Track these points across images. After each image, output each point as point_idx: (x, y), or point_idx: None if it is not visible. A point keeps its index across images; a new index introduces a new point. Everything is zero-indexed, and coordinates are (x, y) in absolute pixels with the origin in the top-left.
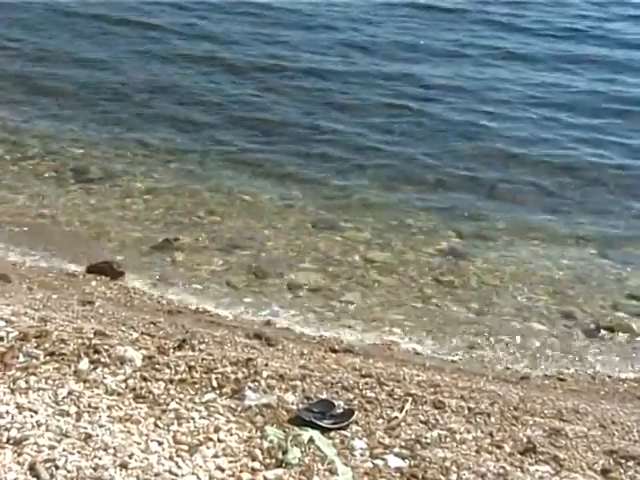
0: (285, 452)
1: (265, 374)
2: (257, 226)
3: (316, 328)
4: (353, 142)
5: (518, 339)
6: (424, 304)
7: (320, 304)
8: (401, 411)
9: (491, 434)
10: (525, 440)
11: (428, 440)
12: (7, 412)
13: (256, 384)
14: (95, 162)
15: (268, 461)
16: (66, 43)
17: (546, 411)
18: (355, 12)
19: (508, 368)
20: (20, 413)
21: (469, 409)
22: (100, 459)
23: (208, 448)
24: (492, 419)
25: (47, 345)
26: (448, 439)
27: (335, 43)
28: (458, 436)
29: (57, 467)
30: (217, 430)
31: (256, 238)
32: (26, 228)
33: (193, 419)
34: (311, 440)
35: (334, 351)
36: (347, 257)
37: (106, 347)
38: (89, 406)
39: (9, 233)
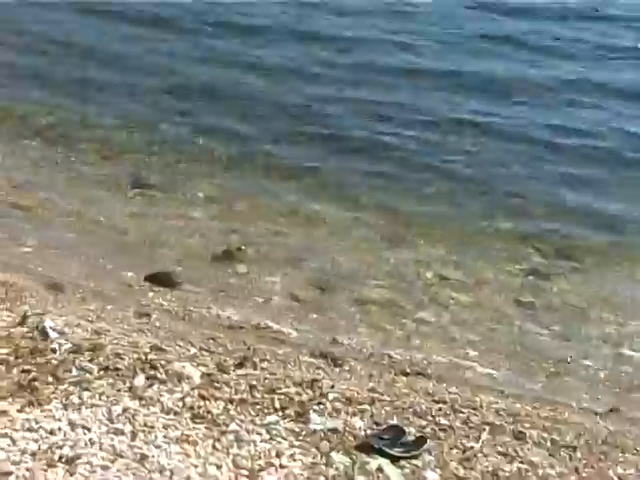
0: None
1: (331, 396)
2: (324, 239)
3: (386, 348)
4: (423, 156)
5: (607, 367)
6: (502, 326)
7: (390, 322)
8: (477, 441)
9: (577, 470)
10: (616, 479)
11: (507, 474)
12: (59, 429)
13: (321, 407)
14: (154, 168)
15: None
16: (121, 45)
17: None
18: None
19: (597, 398)
20: (73, 430)
21: (552, 441)
22: None
23: (269, 474)
24: (578, 454)
25: (101, 359)
26: (529, 473)
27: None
28: (540, 471)
29: None
30: (279, 455)
31: (322, 251)
32: (80, 235)
33: (254, 442)
34: (380, 469)
35: (405, 374)
36: (419, 273)
37: (163, 363)
38: (144, 425)
39: (63, 239)
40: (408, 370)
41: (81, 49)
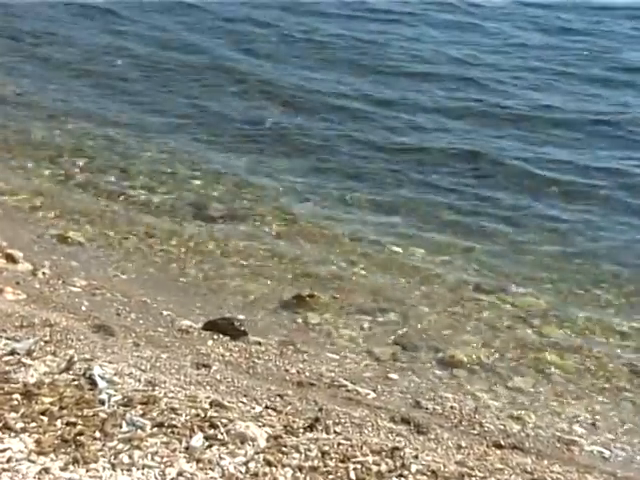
0: None
1: (414, 468)
2: (407, 285)
3: (476, 416)
4: (525, 185)
5: None
6: (614, 398)
7: (482, 388)
8: None
9: None
10: None
11: None
12: None
13: None
14: (217, 197)
15: None
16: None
17: None
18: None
19: None
20: None
21: None
22: None
23: None
24: None
25: (155, 414)
26: None
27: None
28: None
29: None
30: None
31: (405, 300)
32: (133, 274)
33: None
34: None
35: (499, 446)
36: (517, 331)
37: (224, 421)
38: None
39: (114, 279)
40: (502, 442)
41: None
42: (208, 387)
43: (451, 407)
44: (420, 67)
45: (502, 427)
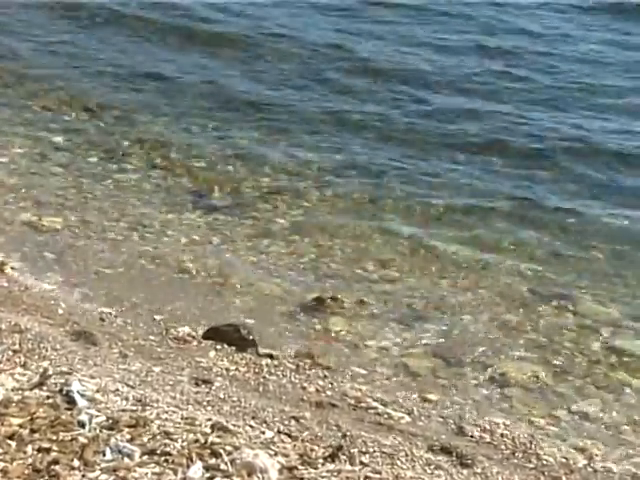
0: None
1: None
2: (449, 288)
3: (533, 445)
4: (588, 174)
5: None
6: None
7: (538, 411)
8: None
9: None
10: None
11: None
12: None
13: None
14: (222, 182)
15: None
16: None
17: None
18: None
19: None
20: None
21: None
22: None
23: None
24: None
25: (145, 439)
26: None
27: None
28: None
29: None
30: None
31: (447, 305)
32: (121, 269)
33: None
34: None
35: None
36: (582, 344)
37: (228, 448)
38: None
39: (97, 275)
40: (564, 479)
41: None
42: (209, 407)
43: (502, 435)
44: None
45: (564, 460)
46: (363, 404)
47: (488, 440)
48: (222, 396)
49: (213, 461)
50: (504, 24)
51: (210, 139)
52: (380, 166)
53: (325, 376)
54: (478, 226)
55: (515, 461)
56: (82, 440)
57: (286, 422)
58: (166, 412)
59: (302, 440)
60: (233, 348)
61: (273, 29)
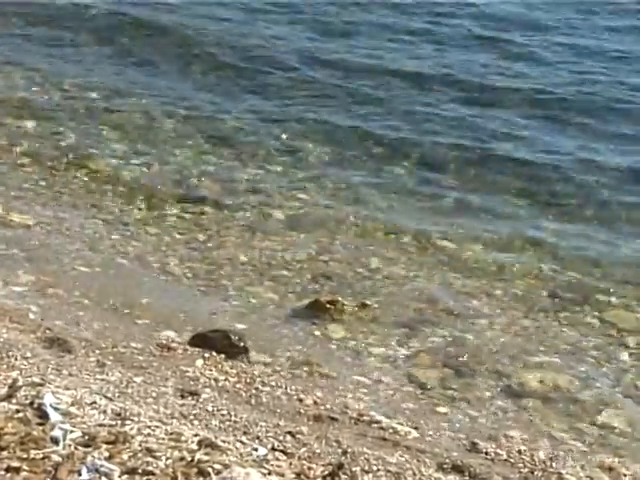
0: None
1: None
2: (461, 290)
3: (554, 463)
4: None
5: None
6: None
7: (561, 425)
8: None
9: None
10: None
11: None
12: None
13: None
14: (209, 172)
15: None
16: None
17: None
18: None
19: None
20: None
21: None
22: None
23: None
24: None
25: (125, 457)
26: None
27: None
28: None
29: None
30: None
31: (459, 309)
32: (99, 269)
33: None
34: None
35: None
36: (607, 352)
37: (217, 467)
38: None
39: (72, 274)
40: None
41: None
42: (196, 422)
43: (519, 451)
44: None
45: (588, 479)
46: (366, 418)
47: (504, 457)
48: (210, 409)
49: None
50: None
51: (196, 124)
52: (385, 156)
53: (324, 387)
54: (493, 222)
55: None
56: (55, 458)
57: (281, 438)
58: (148, 427)
59: (299, 457)
60: (222, 356)
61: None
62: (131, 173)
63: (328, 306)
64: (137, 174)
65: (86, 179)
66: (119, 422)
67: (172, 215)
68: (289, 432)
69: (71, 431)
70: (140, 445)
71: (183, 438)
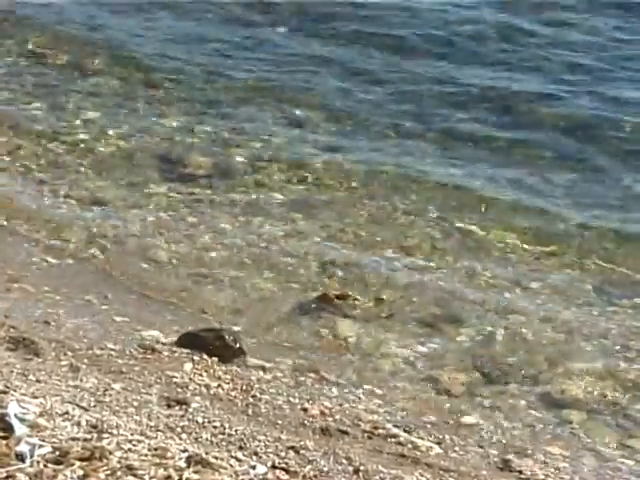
0: None
1: None
2: (492, 282)
3: None
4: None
5: None
6: None
7: (608, 440)
8: None
9: None
10: None
11: None
12: None
13: None
14: (200, 146)
15: None
16: None
17: None
18: None
19: None
20: None
21: None
22: None
23: None
24: None
25: (102, 475)
26: None
27: None
28: None
29: None
30: None
31: (489, 305)
32: (71, 259)
33: None
34: None
35: None
36: None
37: None
38: None
39: (40, 266)
40: None
41: None
42: (184, 435)
43: (558, 469)
44: None
45: None
46: (381, 431)
47: (541, 477)
48: (201, 420)
49: None
50: None
51: (186, 91)
52: (402, 129)
53: (332, 395)
54: (528, 207)
55: None
56: (22, 477)
57: (283, 454)
58: (129, 441)
59: (303, 476)
60: (215, 359)
61: None
62: (109, 146)
63: (337, 300)
64: (116, 147)
65: (58, 152)
66: (95, 435)
67: (157, 194)
68: (292, 447)
69: (40, 446)
70: (119, 462)
71: (169, 454)
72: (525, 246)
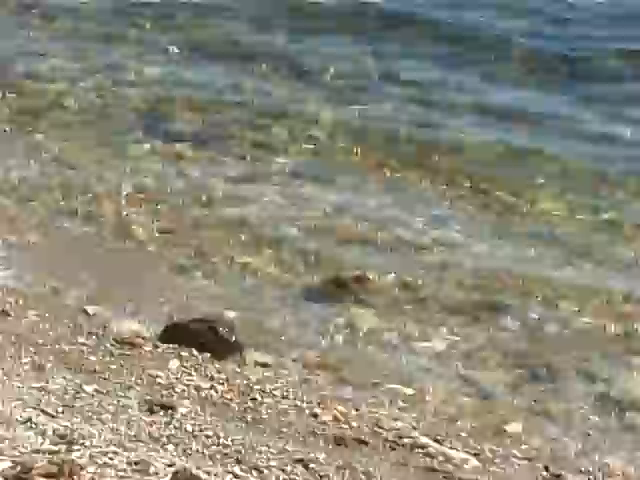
0: None
1: None
2: (539, 261)
3: None
4: None
5: None
6: None
7: None
8: None
9: None
10: None
11: None
12: None
13: None
14: (189, 99)
15: None
16: None
17: None
18: None
19: None
20: None
21: None
22: None
23: None
24: None
25: None
26: None
27: None
28: None
29: None
30: None
31: (537, 288)
32: (33, 236)
33: None
34: None
35: None
36: None
37: None
38: None
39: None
40: None
41: None
42: (170, 446)
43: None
44: None
45: None
46: (406, 440)
47: None
48: (190, 429)
49: None
50: None
51: (168, 32)
52: (441, 81)
53: (347, 398)
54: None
55: None
56: None
57: (289, 468)
58: (105, 454)
59: None
60: (207, 355)
61: None
62: (78, 98)
63: (353, 284)
64: (85, 99)
65: (15, 106)
66: (63, 447)
67: (135, 157)
68: (300, 460)
69: None
70: (93, 479)
71: (152, 469)
72: (573, 216)
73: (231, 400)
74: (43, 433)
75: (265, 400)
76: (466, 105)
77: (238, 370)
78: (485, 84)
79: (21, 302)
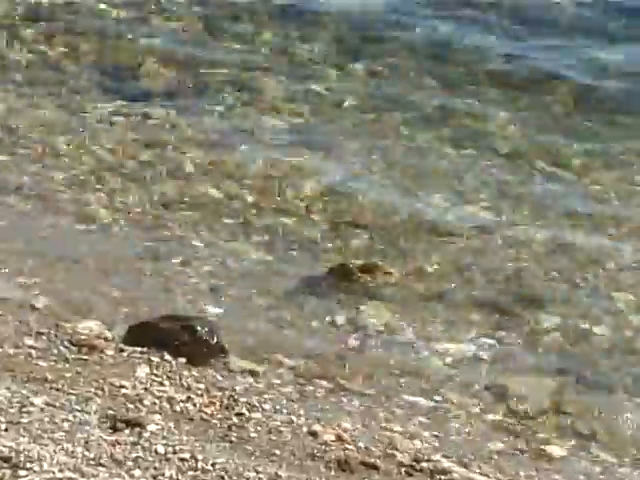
0: None
1: None
2: (585, 248)
3: None
4: None
5: None
6: None
7: None
8: None
9: None
10: None
11: None
12: None
13: None
14: (161, 51)
15: None
16: None
17: None
18: None
19: None
20: None
21: None
22: None
23: None
24: None
25: None
26: None
27: None
28: None
29: None
30: None
31: (581, 282)
32: None
33: None
34: None
35: None
36: None
37: None
38: None
39: None
40: None
41: None
42: (137, 471)
43: None
44: None
45: None
46: (426, 465)
47: None
48: (162, 450)
49: None
50: None
51: None
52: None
53: (353, 411)
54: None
55: None
56: None
57: None
58: None
59: None
60: (182, 361)
61: None
62: (29, 53)
63: (361, 274)
64: (38, 54)
65: None
66: (8, 472)
67: (96, 120)
68: None
69: None
70: None
71: None
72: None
73: (212, 415)
74: None
75: (253, 415)
76: None
77: (220, 379)
78: None
79: None
